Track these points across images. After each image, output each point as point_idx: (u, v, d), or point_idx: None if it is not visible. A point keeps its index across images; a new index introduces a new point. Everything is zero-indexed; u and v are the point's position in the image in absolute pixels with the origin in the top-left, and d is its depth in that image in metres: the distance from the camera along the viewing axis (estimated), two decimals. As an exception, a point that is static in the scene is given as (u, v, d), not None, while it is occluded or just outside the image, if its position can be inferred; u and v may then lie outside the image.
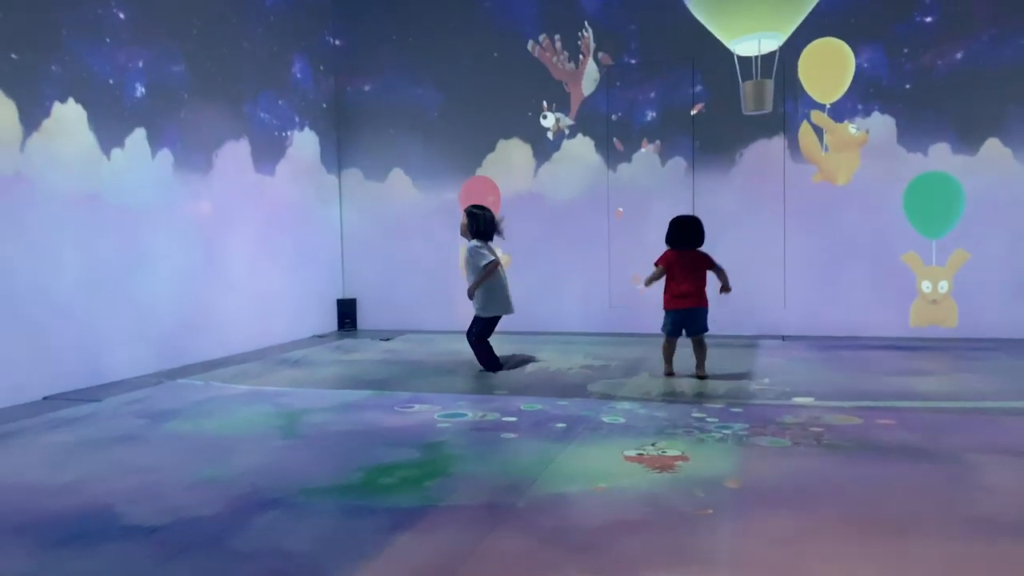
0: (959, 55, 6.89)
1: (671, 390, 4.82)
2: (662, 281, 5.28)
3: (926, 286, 6.91)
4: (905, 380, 5.04)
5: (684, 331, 5.21)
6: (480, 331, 5.68)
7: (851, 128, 7.01)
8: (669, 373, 5.25)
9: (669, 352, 5.28)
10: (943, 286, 6.91)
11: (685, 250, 5.18)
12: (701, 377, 5.15)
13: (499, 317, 5.75)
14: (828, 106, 7.10)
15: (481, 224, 5.71)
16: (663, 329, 5.27)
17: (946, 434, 3.68)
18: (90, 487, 3.10)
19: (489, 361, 5.67)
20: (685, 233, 5.19)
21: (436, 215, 8.11)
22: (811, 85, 7.07)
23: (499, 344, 6.92)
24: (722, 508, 2.73)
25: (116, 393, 4.96)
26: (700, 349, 5.23)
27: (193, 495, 2.98)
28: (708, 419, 4.01)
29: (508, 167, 7.93)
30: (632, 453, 3.42)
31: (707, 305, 5.21)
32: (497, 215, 5.88)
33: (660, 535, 2.50)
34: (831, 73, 7.01)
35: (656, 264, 5.24)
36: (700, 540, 2.46)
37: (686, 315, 5.15)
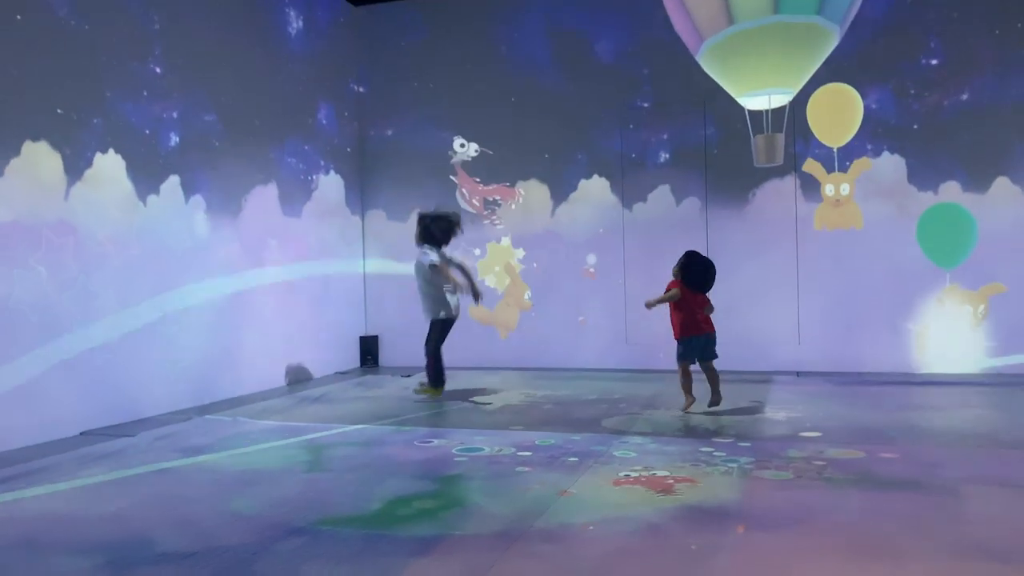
0: (964, 95, 7.05)
1: (682, 426, 4.95)
2: (665, 314, 5.48)
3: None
4: (912, 415, 5.13)
5: (698, 358, 5.35)
6: (437, 338, 6.12)
7: (841, 187, 7.20)
8: (691, 402, 5.35)
9: (688, 382, 5.39)
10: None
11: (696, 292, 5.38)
12: (718, 402, 5.32)
13: (452, 322, 6.18)
14: (836, 149, 7.25)
15: (430, 230, 6.16)
16: (682, 358, 5.38)
17: (945, 468, 3.78)
18: (127, 517, 3.30)
19: (436, 376, 6.14)
20: (706, 280, 5.39)
21: (456, 254, 8.31)
22: (820, 130, 7.23)
23: (521, 381, 7.09)
24: (715, 536, 2.87)
25: (149, 428, 5.19)
26: (713, 374, 5.40)
27: (223, 524, 3.18)
28: (716, 453, 4.15)
29: (527, 207, 8.16)
30: (621, 476, 3.57)
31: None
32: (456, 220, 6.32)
33: (657, 563, 2.65)
34: (840, 118, 7.17)
35: (669, 288, 5.39)
36: (694, 567, 2.60)
37: (706, 340, 5.33)
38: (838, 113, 7.17)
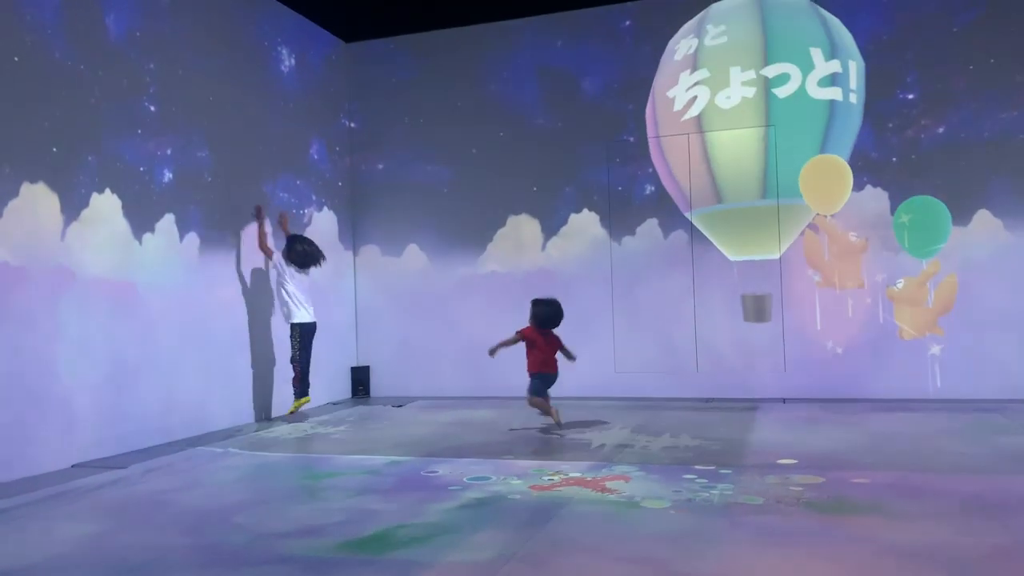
0: (941, 129, 7.25)
1: (670, 453, 5.03)
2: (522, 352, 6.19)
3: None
4: (891, 441, 5.22)
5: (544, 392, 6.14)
6: (299, 343, 6.83)
7: (851, 236, 7.17)
8: (556, 414, 6.06)
9: (547, 405, 6.08)
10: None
11: (547, 330, 6.20)
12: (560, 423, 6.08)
13: (313, 326, 6.94)
14: (829, 218, 7.37)
15: (295, 254, 6.87)
16: (534, 391, 6.11)
17: (914, 493, 3.87)
18: (117, 546, 3.36)
19: (302, 383, 6.84)
20: (551, 318, 6.23)
21: (449, 287, 8.46)
22: (811, 198, 7.31)
23: (501, 410, 7.17)
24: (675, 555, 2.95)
25: (141, 460, 5.24)
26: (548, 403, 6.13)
27: (216, 554, 3.23)
28: (697, 480, 4.23)
29: (518, 241, 8.30)
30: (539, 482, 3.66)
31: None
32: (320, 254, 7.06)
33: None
34: (831, 187, 7.30)
35: (517, 332, 6.23)
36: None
37: (552, 378, 6.19)
38: (829, 183, 7.30)
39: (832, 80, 7.15)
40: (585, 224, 8.13)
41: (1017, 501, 3.67)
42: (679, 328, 7.75)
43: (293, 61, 7.82)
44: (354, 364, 8.62)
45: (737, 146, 7.31)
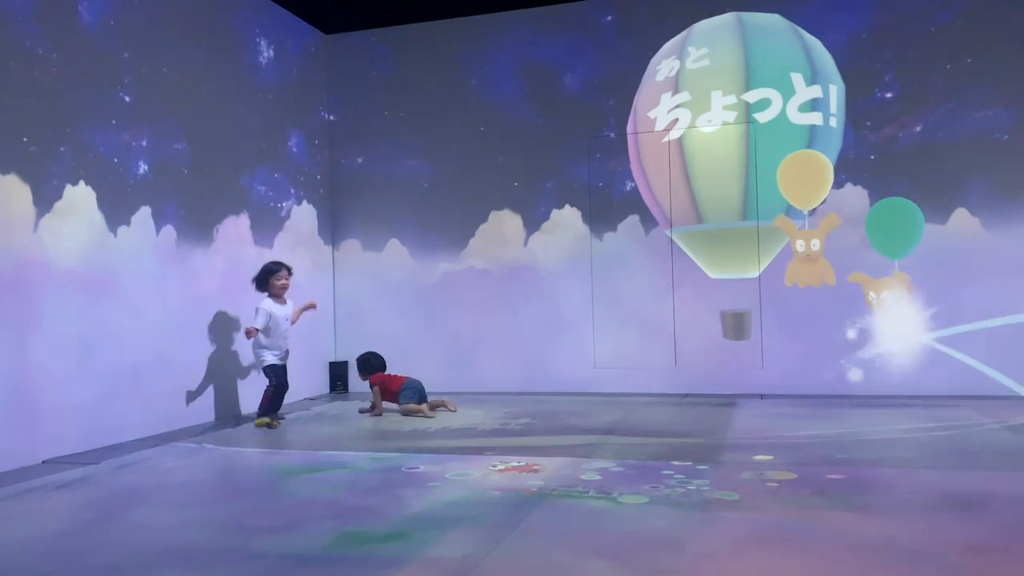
0: (918, 128, 7.31)
1: (648, 449, 5.03)
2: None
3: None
4: (867, 437, 5.26)
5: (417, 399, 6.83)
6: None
7: (812, 243, 7.32)
8: (430, 414, 6.69)
9: (418, 407, 6.73)
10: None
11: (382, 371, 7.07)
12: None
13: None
14: (807, 213, 7.44)
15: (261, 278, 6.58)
16: (405, 400, 6.79)
17: (888, 489, 3.90)
18: (84, 545, 3.31)
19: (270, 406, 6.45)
20: (381, 362, 7.18)
21: (431, 283, 8.42)
22: (790, 193, 7.40)
23: (481, 406, 7.16)
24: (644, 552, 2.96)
25: (114, 456, 5.17)
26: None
27: (188, 552, 3.19)
28: (675, 475, 4.24)
29: (501, 237, 8.27)
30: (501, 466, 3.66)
31: None
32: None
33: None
34: (810, 182, 7.39)
35: (373, 386, 6.95)
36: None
37: (413, 382, 6.92)
38: (808, 179, 7.38)
39: (812, 105, 7.35)
40: (567, 220, 8.12)
41: (992, 497, 3.71)
42: (659, 324, 7.77)
43: (272, 52, 7.74)
44: (332, 359, 8.57)
45: (718, 168, 7.53)
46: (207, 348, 6.66)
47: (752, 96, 7.43)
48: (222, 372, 6.81)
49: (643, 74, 7.89)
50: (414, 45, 8.54)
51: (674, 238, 7.19)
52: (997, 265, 7.06)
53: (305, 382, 8.05)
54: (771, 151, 7.42)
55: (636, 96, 7.85)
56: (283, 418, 6.56)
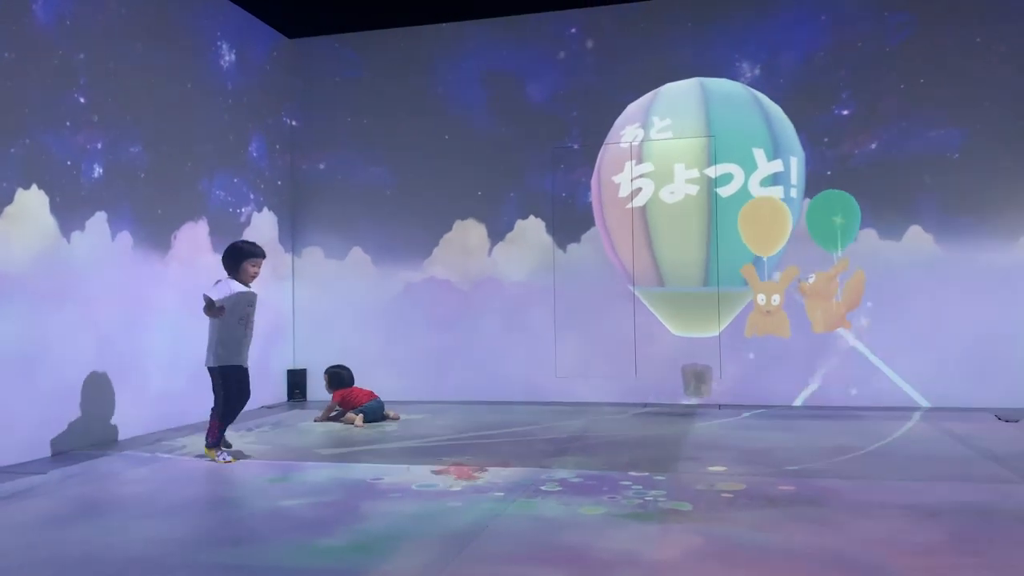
0: (873, 145, 7.48)
1: (607, 459, 5.05)
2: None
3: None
4: (820, 448, 5.35)
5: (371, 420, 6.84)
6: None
7: (772, 298, 7.43)
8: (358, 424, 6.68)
9: (353, 417, 6.78)
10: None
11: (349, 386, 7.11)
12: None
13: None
14: (765, 259, 7.58)
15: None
16: (359, 412, 6.83)
17: (836, 500, 3.97)
18: (23, 562, 3.22)
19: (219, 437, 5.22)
20: (351, 377, 7.20)
21: (394, 292, 8.36)
22: (749, 239, 7.55)
23: (442, 415, 7.12)
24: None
25: (63, 465, 5.03)
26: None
27: (133, 567, 3.12)
28: (633, 486, 4.27)
29: (465, 247, 8.25)
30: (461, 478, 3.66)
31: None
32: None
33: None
34: (768, 229, 7.53)
35: (334, 400, 7.03)
36: None
37: (374, 404, 6.94)
38: (766, 225, 7.53)
39: (774, 179, 7.54)
40: (531, 230, 8.14)
41: (942, 506, 3.79)
42: (620, 335, 7.82)
43: (234, 56, 7.65)
44: (291, 367, 8.46)
45: (680, 236, 7.71)
46: (163, 355, 6.53)
47: (714, 171, 7.61)
48: (181, 379, 6.68)
49: (605, 88, 7.95)
50: (379, 51, 8.51)
51: (637, 294, 7.32)
52: (948, 281, 7.24)
53: (263, 390, 7.94)
54: (733, 222, 7.57)
55: (600, 155, 7.92)
56: (230, 446, 5.40)
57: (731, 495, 4.07)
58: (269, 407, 7.85)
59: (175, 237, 6.76)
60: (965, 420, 6.42)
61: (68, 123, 5.65)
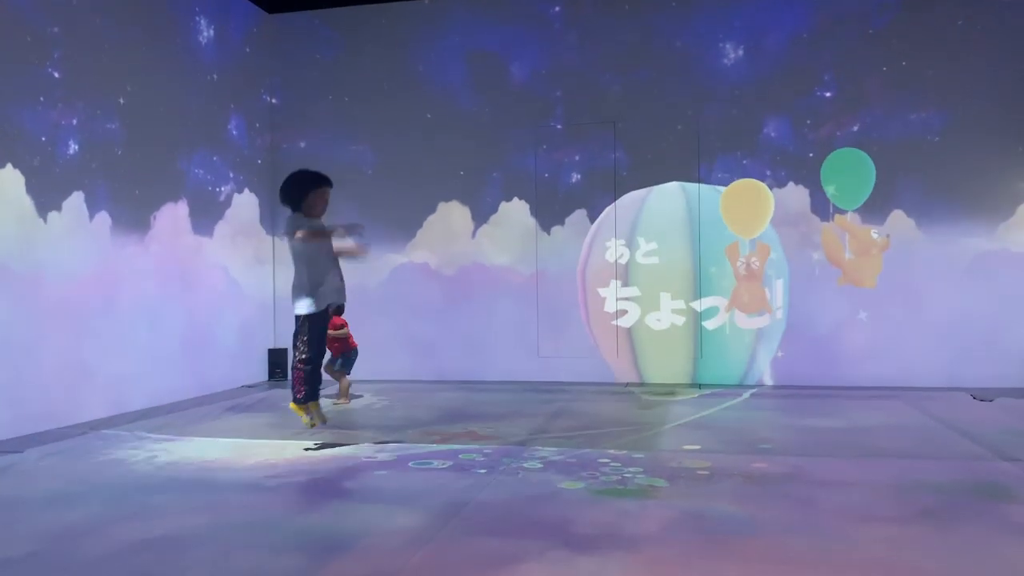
0: (855, 127, 7.50)
1: (588, 438, 5.08)
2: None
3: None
4: (795, 427, 5.40)
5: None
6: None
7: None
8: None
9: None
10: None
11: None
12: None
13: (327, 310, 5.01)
14: (748, 240, 7.59)
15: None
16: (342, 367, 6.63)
17: (811, 479, 4.02)
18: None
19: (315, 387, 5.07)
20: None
21: (377, 273, 8.30)
22: (731, 221, 7.57)
23: (423, 393, 7.12)
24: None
25: (40, 443, 4.99)
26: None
27: (125, 541, 3.10)
28: (612, 463, 4.30)
29: (448, 228, 8.21)
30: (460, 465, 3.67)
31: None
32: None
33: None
34: (751, 211, 7.55)
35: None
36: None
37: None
38: (750, 207, 7.54)
39: (760, 310, 7.56)
40: (515, 212, 8.11)
41: (913, 482, 3.84)
42: (601, 316, 7.84)
43: (212, 32, 7.53)
44: (272, 346, 8.42)
45: (665, 353, 7.75)
46: (142, 332, 6.46)
47: (700, 305, 7.65)
48: (160, 356, 6.63)
49: (589, 67, 7.90)
50: (360, 28, 8.40)
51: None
52: (930, 265, 7.29)
53: (244, 369, 7.91)
54: (719, 351, 7.62)
55: (584, 255, 7.89)
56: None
57: (706, 472, 4.11)
58: (250, 386, 7.81)
59: (154, 218, 6.68)
60: (941, 400, 6.49)
61: (42, 98, 5.55)
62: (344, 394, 6.60)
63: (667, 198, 7.76)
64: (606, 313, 7.84)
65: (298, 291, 4.86)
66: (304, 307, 4.81)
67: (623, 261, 7.78)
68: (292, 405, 5.17)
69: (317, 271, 4.81)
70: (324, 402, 5.63)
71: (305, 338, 4.89)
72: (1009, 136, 7.20)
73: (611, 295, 7.79)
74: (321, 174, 5.03)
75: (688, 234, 7.68)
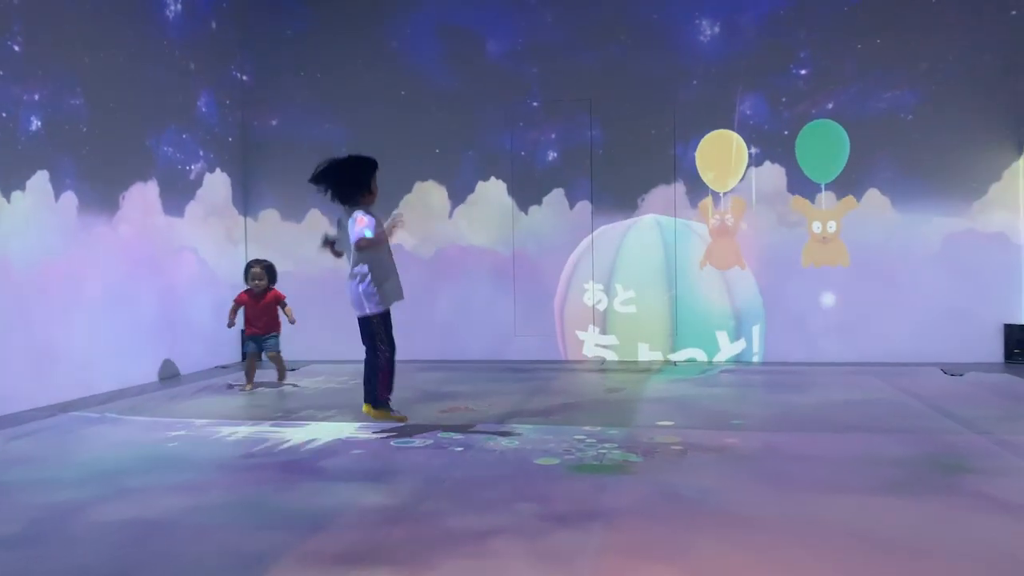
0: (830, 105, 7.51)
1: (561, 415, 5.08)
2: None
3: (816, 227, 7.47)
4: (770, 402, 5.45)
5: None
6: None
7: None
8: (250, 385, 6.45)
9: (251, 366, 6.56)
10: (832, 226, 7.45)
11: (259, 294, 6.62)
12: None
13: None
14: (723, 193, 7.60)
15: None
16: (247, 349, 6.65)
17: (778, 450, 4.06)
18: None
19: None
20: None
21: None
22: (705, 173, 7.60)
23: (409, 373, 7.10)
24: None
25: (8, 426, 4.91)
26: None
27: (101, 522, 3.05)
28: (587, 439, 4.31)
29: (426, 208, 8.13)
30: (438, 442, 3.66)
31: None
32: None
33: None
34: (724, 162, 7.57)
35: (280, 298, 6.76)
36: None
37: (260, 339, 6.61)
38: (723, 157, 7.55)
39: (736, 359, 7.58)
40: (492, 192, 8.05)
41: (883, 455, 3.88)
42: (579, 296, 7.85)
43: (179, 6, 7.36)
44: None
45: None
46: (117, 313, 6.35)
47: (678, 356, 7.66)
48: (131, 338, 6.53)
49: (566, 44, 7.84)
50: (332, 2, 8.24)
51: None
52: (906, 243, 7.35)
53: (218, 351, 7.82)
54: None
55: (564, 288, 7.88)
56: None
57: (680, 448, 4.12)
58: (224, 367, 7.73)
59: (123, 197, 6.55)
60: (913, 375, 6.57)
61: (2, 72, 5.39)
62: (252, 380, 6.56)
63: (644, 232, 7.76)
64: (583, 357, 7.88)
65: (367, 294, 4.67)
66: (372, 307, 4.66)
67: (600, 308, 7.79)
68: (376, 411, 4.73)
69: (382, 271, 4.69)
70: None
71: (383, 337, 4.72)
72: (983, 115, 7.26)
73: (589, 340, 7.83)
74: (371, 159, 4.73)
75: (664, 282, 7.69)
